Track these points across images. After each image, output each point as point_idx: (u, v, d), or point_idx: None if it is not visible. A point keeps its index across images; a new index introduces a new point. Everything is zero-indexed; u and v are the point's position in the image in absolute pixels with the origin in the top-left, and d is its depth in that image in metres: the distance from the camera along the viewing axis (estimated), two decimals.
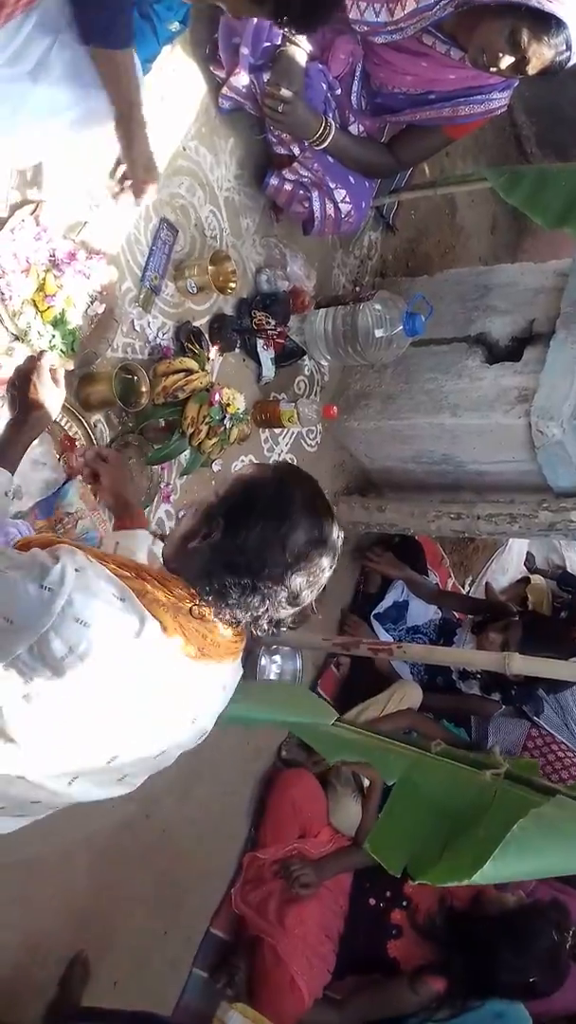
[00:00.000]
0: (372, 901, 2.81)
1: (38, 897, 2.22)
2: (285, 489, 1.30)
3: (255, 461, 1.23)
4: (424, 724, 3.05)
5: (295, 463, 3.08)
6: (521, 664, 2.30)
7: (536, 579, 4.20)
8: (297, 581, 1.28)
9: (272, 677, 2.89)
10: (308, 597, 1.32)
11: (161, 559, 1.42)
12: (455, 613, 3.62)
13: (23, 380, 1.65)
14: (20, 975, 2.18)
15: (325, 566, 1.32)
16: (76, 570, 1.20)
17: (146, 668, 1.24)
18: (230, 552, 1.25)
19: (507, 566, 4.55)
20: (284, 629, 1.35)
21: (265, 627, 1.32)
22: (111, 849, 2.40)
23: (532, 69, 2.16)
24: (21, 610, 1.17)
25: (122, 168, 1.95)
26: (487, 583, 4.20)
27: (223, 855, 2.86)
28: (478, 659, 2.70)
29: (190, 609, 1.27)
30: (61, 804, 1.38)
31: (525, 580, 4.24)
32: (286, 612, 1.31)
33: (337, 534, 1.34)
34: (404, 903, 2.74)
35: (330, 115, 2.51)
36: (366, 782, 2.99)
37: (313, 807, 2.94)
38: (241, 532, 1.25)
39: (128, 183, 1.97)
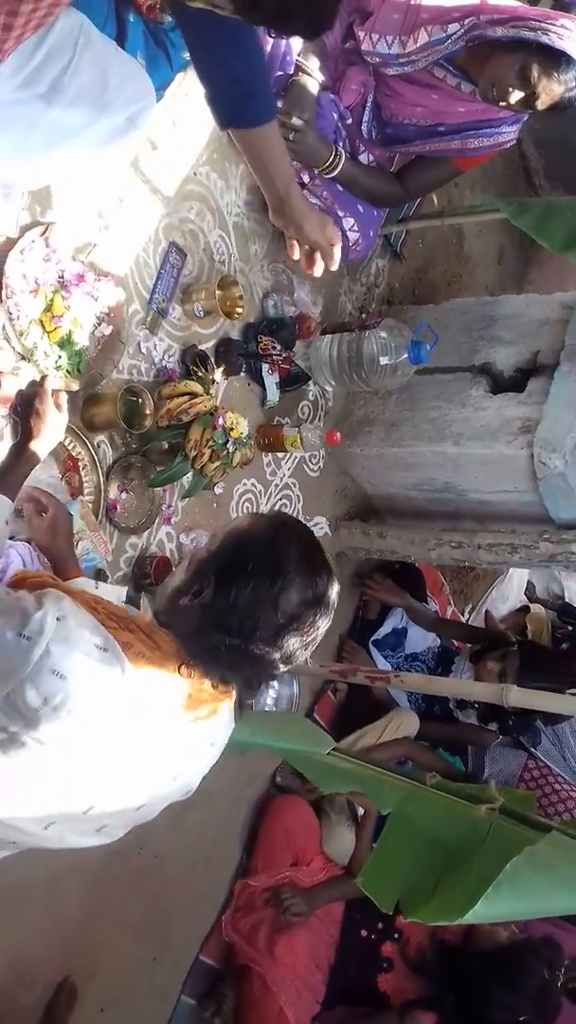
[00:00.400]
0: (364, 933, 2.78)
1: (26, 920, 2.20)
2: (279, 545, 1.25)
3: (251, 511, 1.19)
4: (420, 754, 3.03)
5: (297, 487, 3.08)
6: (519, 696, 2.29)
7: (536, 608, 4.19)
8: (291, 642, 1.23)
9: (269, 702, 2.88)
10: (302, 657, 1.27)
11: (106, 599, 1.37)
12: (454, 641, 3.60)
13: (26, 405, 1.64)
14: (6, 999, 2.16)
15: (320, 626, 1.27)
16: (58, 619, 1.17)
17: (125, 721, 1.21)
18: (221, 612, 1.20)
19: (507, 595, 4.53)
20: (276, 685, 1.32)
21: (255, 686, 1.29)
22: (102, 874, 2.38)
23: (541, 104, 2.18)
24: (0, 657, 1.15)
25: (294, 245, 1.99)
26: (487, 611, 4.19)
27: (214, 881, 2.84)
28: (476, 691, 2.68)
29: (178, 668, 1.24)
30: (38, 846, 1.34)
31: (525, 609, 4.23)
32: (278, 673, 1.27)
33: (334, 591, 1.29)
34: (396, 936, 2.71)
35: (340, 144, 2.54)
36: (360, 810, 2.97)
37: (306, 835, 2.91)
38: (232, 591, 1.20)
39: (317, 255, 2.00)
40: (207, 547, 1.29)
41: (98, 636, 1.19)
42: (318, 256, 1.99)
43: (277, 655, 1.23)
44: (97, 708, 1.18)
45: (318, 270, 2.02)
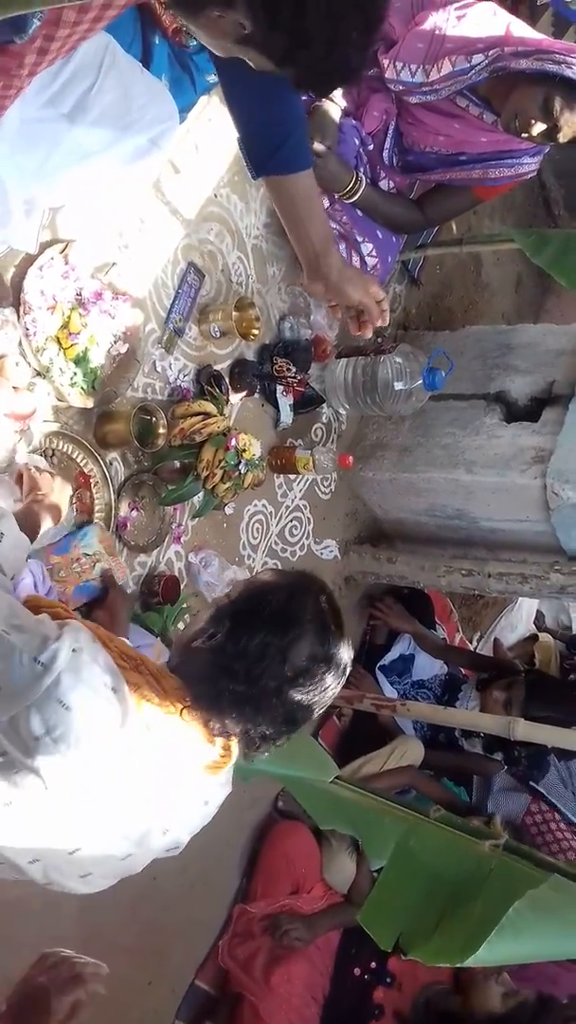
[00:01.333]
0: (357, 971, 2.73)
1: (21, 940, 2.17)
2: (297, 598, 1.25)
3: (272, 567, 1.20)
4: (424, 783, 3.00)
5: (308, 510, 3.07)
6: (526, 730, 2.26)
7: (544, 637, 4.15)
8: (296, 697, 1.23)
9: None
10: (308, 715, 1.27)
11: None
12: (461, 669, 3.58)
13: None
14: None
15: (329, 684, 1.26)
16: (73, 650, 1.17)
17: (120, 765, 1.20)
18: (230, 656, 1.21)
19: (516, 623, 4.50)
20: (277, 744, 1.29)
21: (256, 743, 1.27)
22: (99, 895, 2.33)
23: (564, 137, 2.18)
24: (12, 678, 1.15)
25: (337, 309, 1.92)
26: (495, 639, 4.16)
27: (213, 906, 2.81)
28: (483, 722, 2.65)
29: (180, 712, 1.23)
30: (23, 879, 1.32)
31: (534, 638, 4.20)
32: (280, 730, 1.26)
33: (347, 653, 1.28)
34: (388, 979, 2.66)
35: (361, 170, 2.55)
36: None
37: (307, 862, 2.88)
38: (243, 637, 1.21)
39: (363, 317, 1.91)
40: (228, 595, 1.30)
41: (109, 675, 1.19)
42: (365, 316, 1.89)
43: (281, 709, 1.23)
44: (96, 747, 1.17)
45: (368, 332, 1.92)
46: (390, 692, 3.31)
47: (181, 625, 2.47)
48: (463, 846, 1.55)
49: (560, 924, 1.27)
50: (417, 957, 1.32)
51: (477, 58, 2.26)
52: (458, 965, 1.21)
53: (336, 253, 1.81)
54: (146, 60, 2.01)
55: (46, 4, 0.88)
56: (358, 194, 2.51)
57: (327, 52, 1.08)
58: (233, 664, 1.20)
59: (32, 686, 1.13)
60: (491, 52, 2.23)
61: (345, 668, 1.29)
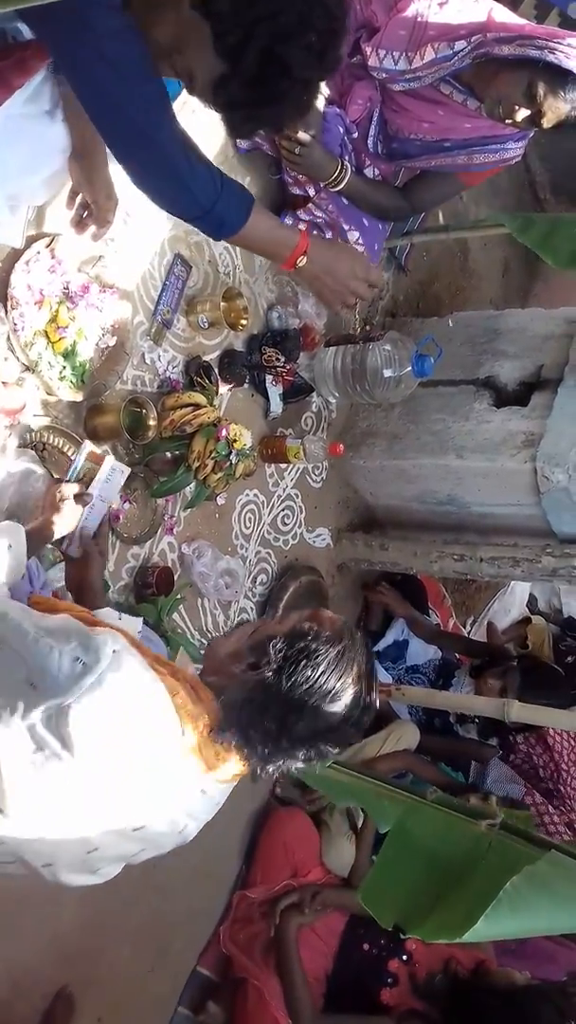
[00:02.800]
0: (366, 947, 2.76)
1: (24, 930, 2.19)
2: (346, 657, 1.27)
3: (324, 611, 1.24)
4: (420, 766, 3.02)
5: (299, 498, 3.09)
6: (520, 712, 2.28)
7: (537, 620, 4.19)
8: (321, 748, 1.28)
9: None
10: (322, 759, 1.31)
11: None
12: (455, 654, 3.60)
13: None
14: (3, 1008, 2.15)
15: (352, 741, 1.34)
16: (114, 651, 1.19)
17: (154, 765, 1.22)
18: (272, 696, 1.23)
19: (509, 607, 4.53)
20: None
21: (271, 772, 1.31)
22: (100, 884, 2.37)
23: (547, 122, 2.19)
24: (50, 678, 1.16)
25: (79, 198, 1.90)
26: (490, 623, 4.18)
27: (213, 893, 2.83)
28: (478, 705, 2.68)
29: (211, 731, 1.26)
30: (30, 875, 1.34)
31: (526, 620, 4.23)
32: (297, 767, 1.30)
33: (368, 716, 1.32)
34: (404, 957, 2.69)
35: (346, 158, 2.55)
36: (360, 822, 2.96)
37: (305, 848, 2.90)
38: (289, 681, 1.23)
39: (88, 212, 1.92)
40: (274, 625, 1.32)
41: (148, 676, 1.22)
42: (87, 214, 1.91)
43: (301, 754, 1.27)
44: (133, 746, 1.19)
45: (88, 230, 1.93)
46: (384, 678, 3.33)
47: (176, 616, 2.49)
48: (460, 826, 1.57)
49: (557, 899, 1.29)
50: (417, 935, 1.34)
51: (459, 44, 2.26)
52: (457, 940, 1.23)
53: (105, 166, 1.80)
54: None
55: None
56: (343, 182, 2.51)
57: (284, 36, 1.10)
58: (273, 703, 1.23)
59: (73, 684, 1.14)
60: (473, 38, 2.24)
61: (365, 726, 1.32)
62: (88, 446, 1.78)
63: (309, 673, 1.23)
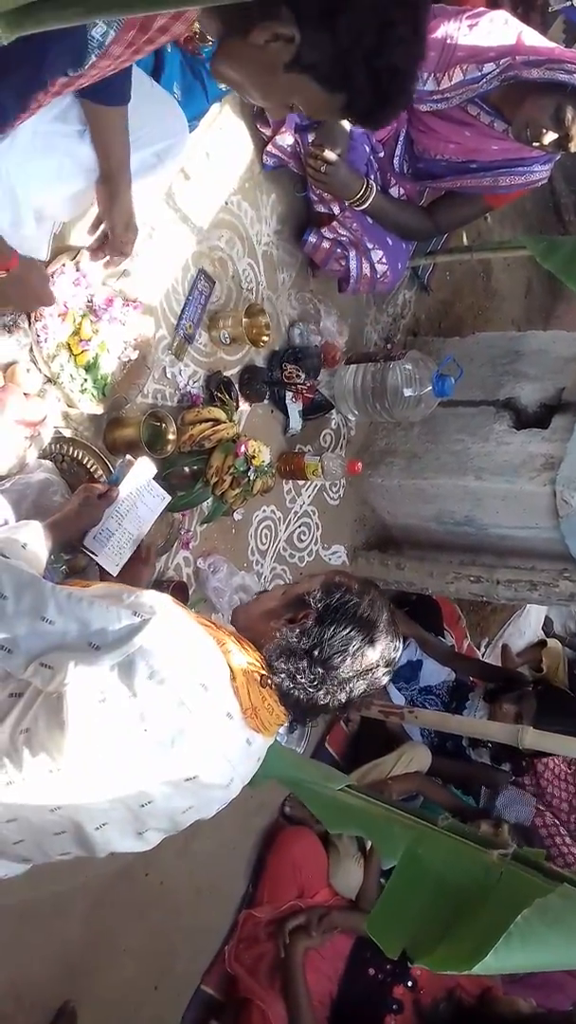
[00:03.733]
0: (372, 971, 2.73)
1: (29, 943, 2.18)
2: (376, 604, 1.41)
3: (337, 568, 1.42)
4: (431, 788, 3.00)
5: (316, 515, 3.08)
6: (534, 739, 2.26)
7: (552, 643, 4.15)
8: (359, 687, 1.39)
9: (281, 731, 2.85)
10: (353, 706, 1.43)
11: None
12: (469, 677, 3.57)
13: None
14: (5, 1022, 2.14)
15: (382, 683, 1.44)
16: (166, 606, 1.30)
17: (207, 710, 1.28)
18: (316, 642, 1.35)
19: (525, 629, 4.50)
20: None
21: (310, 716, 1.43)
22: (107, 899, 2.36)
23: (575, 146, 2.19)
24: (111, 634, 1.25)
25: (102, 227, 1.90)
26: (504, 645, 4.15)
27: (219, 911, 2.81)
28: (491, 730, 2.65)
29: (261, 678, 1.35)
30: (76, 850, 1.38)
31: (542, 643, 4.20)
32: (335, 707, 1.41)
33: (400, 655, 1.46)
34: (409, 983, 2.66)
35: (372, 177, 2.55)
36: (368, 844, 2.94)
37: (313, 868, 2.88)
38: (331, 628, 1.36)
39: (107, 242, 1.92)
40: (304, 584, 1.44)
41: (199, 628, 1.32)
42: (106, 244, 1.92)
43: (343, 696, 1.39)
44: (191, 692, 1.26)
45: (104, 260, 1.95)
46: (397, 698, 3.31)
47: None
48: (471, 855, 1.55)
49: (569, 933, 1.26)
50: (424, 965, 1.32)
51: (488, 67, 2.26)
52: (466, 973, 1.21)
53: (128, 196, 1.81)
54: (158, 68, 2.02)
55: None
56: (368, 201, 2.51)
57: (377, 49, 1.12)
58: (315, 649, 1.35)
59: (135, 635, 1.24)
60: (502, 61, 2.24)
61: (396, 666, 1.46)
62: (129, 458, 1.91)
63: (348, 619, 1.37)
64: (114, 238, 1.88)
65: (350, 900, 2.90)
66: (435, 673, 3.49)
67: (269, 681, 1.37)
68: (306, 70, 1.16)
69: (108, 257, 1.94)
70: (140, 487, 1.90)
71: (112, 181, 1.75)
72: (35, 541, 1.53)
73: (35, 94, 1.21)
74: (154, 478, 2.26)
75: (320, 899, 2.86)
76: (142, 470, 1.89)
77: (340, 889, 2.91)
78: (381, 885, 2.87)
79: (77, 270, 1.98)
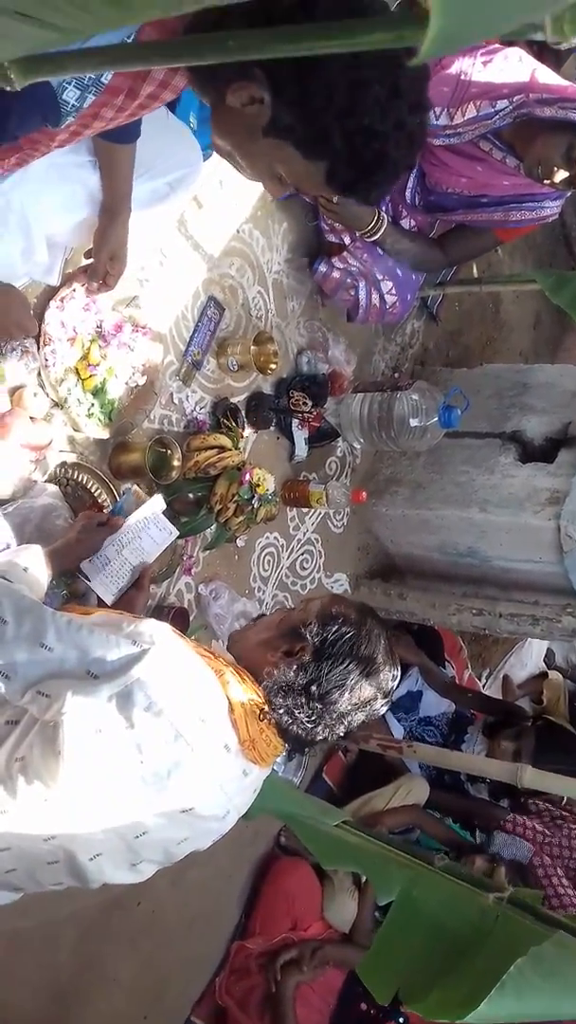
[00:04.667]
0: (363, 1007, 2.70)
1: (19, 971, 2.16)
2: (373, 633, 1.39)
3: (335, 593, 1.39)
4: (428, 823, 2.97)
5: (319, 543, 3.07)
6: (534, 778, 2.23)
7: (554, 675, 4.13)
8: (357, 719, 1.39)
9: (279, 760, 2.83)
10: (355, 732, 1.44)
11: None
12: (469, 709, 3.54)
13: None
14: None
15: (380, 713, 1.44)
16: (165, 636, 1.29)
17: (205, 742, 1.27)
18: (313, 677, 1.34)
19: (526, 661, 4.47)
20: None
21: (308, 747, 1.42)
22: (98, 928, 2.34)
23: None
24: (109, 664, 1.24)
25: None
26: (505, 676, 4.13)
27: (211, 941, 2.78)
28: (490, 768, 2.63)
29: (259, 712, 1.34)
30: (69, 880, 1.36)
31: (543, 675, 4.17)
32: (333, 739, 1.41)
33: (396, 684, 1.44)
34: (400, 1019, 2.63)
35: (383, 208, 2.56)
36: (364, 877, 2.91)
37: (307, 900, 2.85)
38: (328, 663, 1.34)
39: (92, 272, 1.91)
40: (299, 613, 1.42)
41: (197, 659, 1.31)
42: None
43: (341, 729, 1.38)
44: (189, 724, 1.25)
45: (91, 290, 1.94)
46: (396, 728, 3.29)
47: None
48: (467, 897, 1.53)
49: (564, 984, 1.24)
50: (416, 1011, 1.30)
51: (501, 104, 2.28)
52: (457, 1023, 1.19)
53: (123, 231, 1.81)
54: (174, 99, 2.03)
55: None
56: (380, 232, 2.52)
57: (349, 109, 1.08)
58: (315, 686, 1.34)
59: (133, 665, 1.22)
60: (516, 98, 2.25)
61: (393, 695, 1.44)
62: (135, 488, 1.93)
63: (346, 653, 1.35)
64: (97, 264, 1.87)
65: (344, 933, 2.87)
66: (435, 704, 3.46)
67: (267, 715, 1.36)
68: (284, 135, 1.14)
69: (89, 284, 1.92)
70: (150, 518, 1.89)
71: (109, 213, 1.76)
72: (36, 565, 1.53)
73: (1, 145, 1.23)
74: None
75: (313, 932, 2.82)
76: (152, 506, 1.88)
77: (334, 922, 2.88)
78: (375, 919, 2.84)
79: (87, 296, 1.99)
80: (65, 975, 2.27)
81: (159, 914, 2.54)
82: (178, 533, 1.94)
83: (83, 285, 1.94)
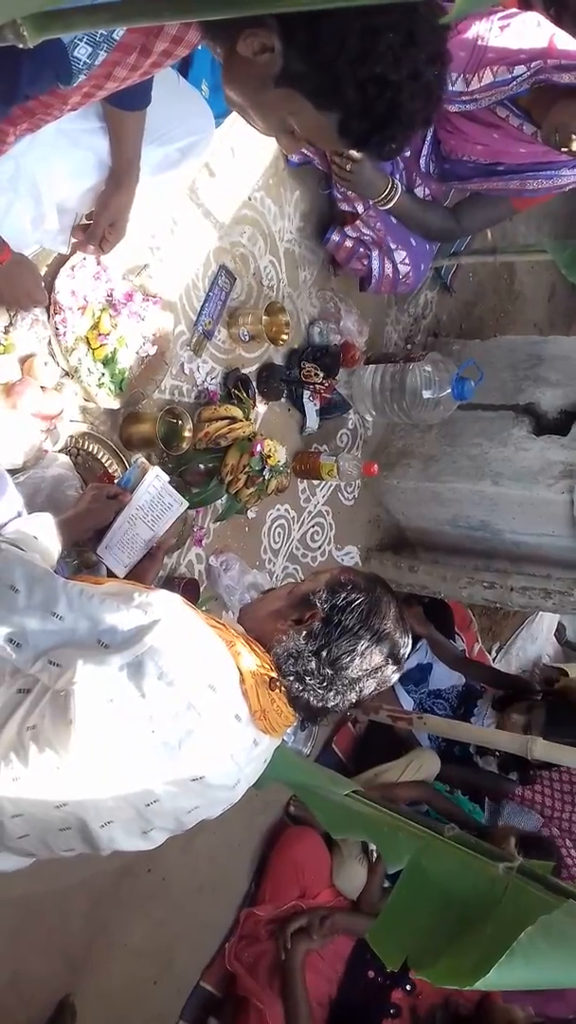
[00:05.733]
0: (371, 974, 2.73)
1: (31, 937, 2.19)
2: (383, 601, 1.39)
3: (345, 565, 1.39)
4: (439, 801, 2.98)
5: (330, 515, 3.07)
6: (544, 750, 2.24)
7: (575, 671, 4.11)
8: (369, 686, 1.38)
9: (289, 731, 2.85)
10: (366, 699, 1.42)
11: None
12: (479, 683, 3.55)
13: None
14: (5, 1015, 2.14)
15: (392, 680, 1.43)
16: (176, 607, 1.29)
17: (216, 710, 1.28)
18: (323, 643, 1.34)
19: (536, 635, 4.48)
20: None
21: (320, 716, 1.42)
22: (109, 894, 2.36)
23: None
24: (120, 633, 1.24)
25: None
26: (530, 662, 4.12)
27: (221, 908, 2.81)
28: (500, 740, 2.63)
29: (270, 681, 1.34)
30: (81, 846, 1.37)
31: (562, 671, 4.16)
32: (344, 707, 1.40)
33: (408, 652, 1.44)
34: (408, 987, 2.65)
35: (397, 177, 2.53)
36: (373, 848, 2.93)
37: (316, 868, 2.87)
38: (338, 628, 1.34)
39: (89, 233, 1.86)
40: (309, 583, 1.43)
41: (208, 629, 1.31)
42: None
43: (353, 695, 1.38)
44: (200, 693, 1.26)
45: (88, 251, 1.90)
46: (406, 700, 3.30)
47: None
48: (477, 867, 1.53)
49: (571, 952, 1.25)
50: (425, 977, 1.31)
51: (519, 69, 2.23)
52: (467, 988, 1.19)
53: (128, 198, 1.77)
54: (186, 64, 2.01)
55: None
56: (393, 201, 2.49)
57: (362, 57, 1.05)
58: (323, 650, 1.34)
59: (145, 635, 1.23)
60: (533, 64, 2.21)
61: (404, 663, 1.44)
62: (142, 461, 1.92)
63: (355, 618, 1.35)
64: (96, 228, 1.82)
65: (352, 901, 2.89)
66: (445, 677, 3.47)
67: (278, 684, 1.36)
68: (295, 84, 1.11)
69: (87, 245, 1.87)
70: (156, 491, 1.90)
71: (115, 180, 1.74)
72: (48, 534, 1.54)
73: (13, 106, 1.22)
74: (169, 475, 2.26)
75: (322, 900, 2.85)
76: (153, 478, 1.89)
77: (343, 890, 2.90)
78: (384, 888, 2.86)
79: (98, 264, 1.97)
80: (76, 941, 2.30)
81: (169, 881, 2.57)
82: (187, 504, 1.93)
83: (77, 241, 1.88)
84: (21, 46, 0.66)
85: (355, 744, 3.31)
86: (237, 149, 2.35)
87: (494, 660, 4.15)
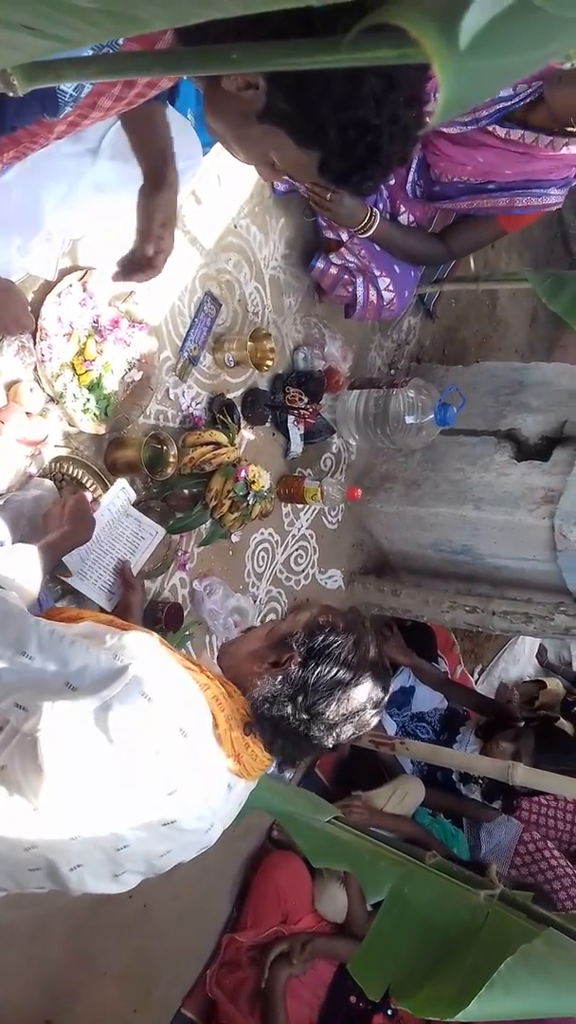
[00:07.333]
0: (353, 999, 2.71)
1: (8, 964, 2.16)
2: (362, 644, 1.36)
3: (324, 603, 1.35)
4: (426, 838, 2.97)
5: (314, 539, 3.08)
6: (525, 776, 2.24)
7: (552, 684, 4.13)
8: (346, 730, 1.36)
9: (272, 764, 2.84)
10: (340, 743, 1.39)
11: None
12: (462, 707, 3.55)
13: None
14: None
15: (371, 724, 1.40)
16: (148, 649, 1.28)
17: (188, 756, 1.26)
18: (300, 688, 1.32)
19: (519, 657, 4.49)
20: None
21: (298, 758, 1.43)
22: (89, 921, 2.34)
23: None
24: (89, 677, 1.23)
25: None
26: (502, 683, 4.13)
27: (202, 934, 2.79)
28: (483, 765, 2.63)
29: (245, 725, 1.33)
30: (51, 885, 1.35)
31: (539, 683, 4.18)
32: (322, 750, 1.40)
33: (387, 694, 1.42)
34: (389, 1011, 2.64)
35: (380, 205, 2.56)
36: None
37: (298, 893, 2.85)
38: (314, 673, 1.32)
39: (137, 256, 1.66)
40: (288, 624, 1.40)
41: (182, 673, 1.29)
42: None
43: (330, 740, 1.36)
44: (170, 740, 1.24)
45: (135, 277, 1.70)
46: (389, 724, 3.30)
47: (183, 653, 2.47)
48: (458, 895, 1.54)
49: (553, 981, 1.26)
50: (406, 1008, 1.32)
51: (521, 87, 2.28)
52: (447, 1020, 1.20)
53: (173, 204, 1.62)
54: (173, 93, 2.03)
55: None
56: (372, 229, 2.52)
57: (346, 100, 1.06)
58: (300, 695, 1.32)
59: (114, 680, 1.21)
60: (535, 84, 2.26)
61: (384, 705, 1.41)
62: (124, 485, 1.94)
63: (333, 662, 1.33)
64: (148, 234, 1.61)
65: (335, 925, 2.88)
66: (427, 700, 3.47)
67: (253, 728, 1.34)
68: (279, 121, 1.12)
69: (138, 272, 1.67)
70: (122, 502, 1.91)
71: (152, 179, 1.58)
72: (28, 569, 1.52)
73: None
74: (154, 500, 2.27)
75: (304, 925, 2.83)
76: (119, 489, 1.93)
77: (325, 914, 2.89)
78: (368, 911, 2.85)
79: (84, 290, 1.99)
80: (56, 967, 2.28)
81: (150, 907, 2.55)
82: (163, 532, 1.94)
83: (118, 270, 1.66)
84: (11, 95, 0.67)
85: (338, 769, 3.30)
86: (223, 177, 2.37)
87: (477, 682, 4.16)
